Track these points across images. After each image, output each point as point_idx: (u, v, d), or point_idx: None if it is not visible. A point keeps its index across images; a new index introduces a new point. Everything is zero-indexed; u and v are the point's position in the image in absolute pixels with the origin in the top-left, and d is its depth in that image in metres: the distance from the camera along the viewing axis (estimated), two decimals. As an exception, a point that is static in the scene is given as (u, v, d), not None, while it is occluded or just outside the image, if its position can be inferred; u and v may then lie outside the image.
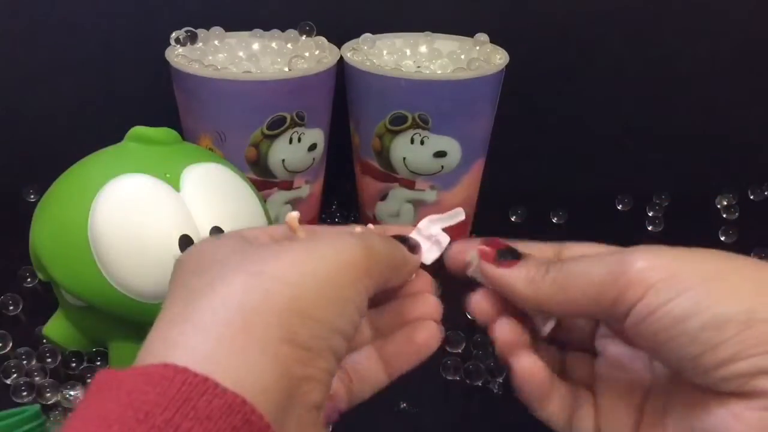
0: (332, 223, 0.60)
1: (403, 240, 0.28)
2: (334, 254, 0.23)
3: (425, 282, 0.29)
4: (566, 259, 0.26)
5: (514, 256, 0.27)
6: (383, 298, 0.29)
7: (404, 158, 0.51)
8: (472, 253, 0.28)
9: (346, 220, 0.61)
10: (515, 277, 0.26)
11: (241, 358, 0.20)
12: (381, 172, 0.53)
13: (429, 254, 0.29)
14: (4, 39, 0.60)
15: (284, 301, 0.21)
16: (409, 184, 0.53)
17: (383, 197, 0.55)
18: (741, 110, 0.67)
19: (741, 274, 0.23)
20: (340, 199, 0.63)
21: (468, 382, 0.43)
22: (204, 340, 0.20)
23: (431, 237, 0.30)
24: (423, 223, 0.30)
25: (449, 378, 0.43)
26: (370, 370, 0.29)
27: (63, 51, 0.61)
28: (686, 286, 0.22)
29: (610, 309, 0.24)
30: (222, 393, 0.18)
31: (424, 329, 0.29)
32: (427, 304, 0.29)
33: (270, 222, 0.45)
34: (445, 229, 0.30)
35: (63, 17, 0.60)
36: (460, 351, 0.45)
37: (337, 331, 0.22)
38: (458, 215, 0.30)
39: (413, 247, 0.28)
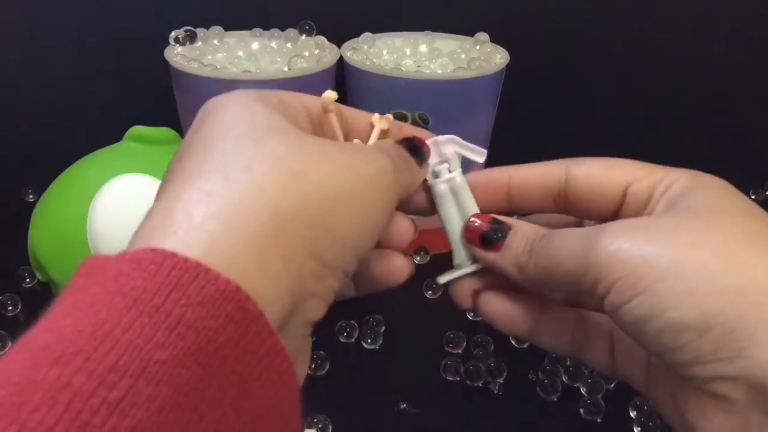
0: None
1: (414, 148, 0.27)
2: (373, 175, 0.23)
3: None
4: (550, 237, 0.25)
5: (500, 235, 0.26)
6: None
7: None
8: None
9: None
10: (502, 262, 0.26)
11: (264, 266, 0.19)
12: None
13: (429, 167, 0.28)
14: (4, 39, 0.60)
15: (321, 214, 0.20)
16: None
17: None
18: (741, 110, 0.67)
19: (707, 264, 0.21)
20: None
21: (468, 382, 0.43)
22: (232, 241, 0.19)
23: (443, 155, 0.28)
24: (444, 138, 0.29)
25: (449, 378, 0.43)
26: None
27: (63, 51, 0.61)
28: (644, 286, 0.21)
29: (591, 295, 0.23)
30: (215, 279, 0.17)
31: (398, 259, 0.28)
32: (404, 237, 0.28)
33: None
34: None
35: (63, 17, 0.60)
36: (460, 351, 0.45)
37: (358, 254, 0.22)
38: (480, 154, 0.29)
39: (422, 160, 0.27)
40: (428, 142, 0.28)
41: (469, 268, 0.28)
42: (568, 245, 0.24)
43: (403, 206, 0.28)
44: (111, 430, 0.15)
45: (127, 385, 0.15)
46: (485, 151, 0.29)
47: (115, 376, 0.15)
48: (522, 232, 0.26)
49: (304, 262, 0.20)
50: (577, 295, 0.26)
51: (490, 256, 0.27)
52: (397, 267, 0.27)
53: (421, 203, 0.29)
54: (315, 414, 0.39)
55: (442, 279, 0.29)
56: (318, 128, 0.27)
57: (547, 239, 0.25)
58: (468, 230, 0.27)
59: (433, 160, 0.28)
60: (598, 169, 0.27)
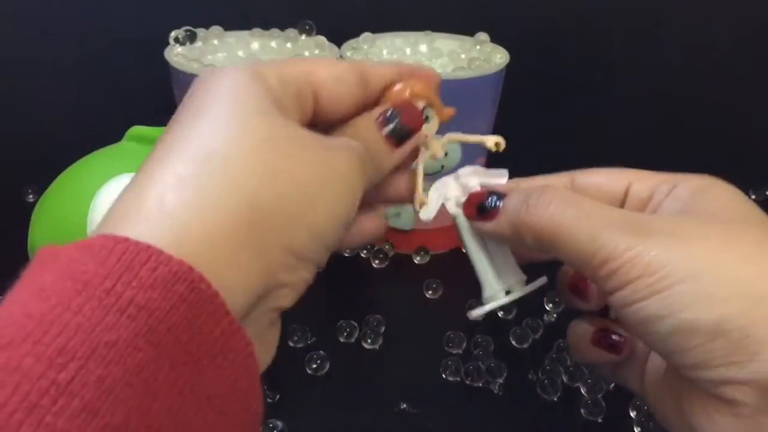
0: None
1: (395, 132, 0.26)
2: (346, 172, 0.23)
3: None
4: (550, 196, 0.24)
5: (496, 203, 0.26)
6: None
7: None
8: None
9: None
10: (497, 226, 0.26)
11: (233, 255, 0.19)
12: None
13: (452, 201, 0.28)
14: (4, 39, 0.60)
15: (297, 210, 0.21)
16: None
17: (383, 197, 0.54)
18: (741, 110, 0.67)
19: (728, 270, 0.21)
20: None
21: (468, 382, 0.43)
22: (203, 230, 0.19)
23: (466, 188, 0.28)
24: (466, 171, 0.28)
25: (449, 378, 0.43)
26: None
27: (62, 51, 0.61)
28: (662, 287, 0.21)
29: (593, 278, 0.23)
30: (167, 260, 0.17)
31: (376, 218, 0.29)
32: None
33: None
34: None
35: (63, 17, 0.60)
36: (460, 351, 0.45)
37: (330, 247, 0.23)
38: (501, 176, 0.28)
39: (401, 143, 0.27)
40: (450, 178, 0.28)
41: (503, 300, 0.27)
42: (586, 226, 0.23)
43: (382, 194, 0.28)
44: (60, 410, 0.15)
45: (76, 367, 0.15)
46: (506, 172, 0.28)
47: (64, 358, 0.15)
48: (516, 192, 0.26)
49: (276, 254, 0.20)
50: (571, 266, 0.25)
51: (486, 225, 0.26)
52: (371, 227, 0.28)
53: (402, 189, 0.29)
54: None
55: (476, 313, 0.28)
56: (306, 105, 0.25)
57: (549, 197, 0.24)
58: (466, 204, 0.27)
59: (455, 192, 0.28)
60: (603, 174, 0.27)
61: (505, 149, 0.29)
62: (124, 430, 0.16)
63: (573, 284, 0.28)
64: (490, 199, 0.26)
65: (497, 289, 0.28)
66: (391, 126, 0.26)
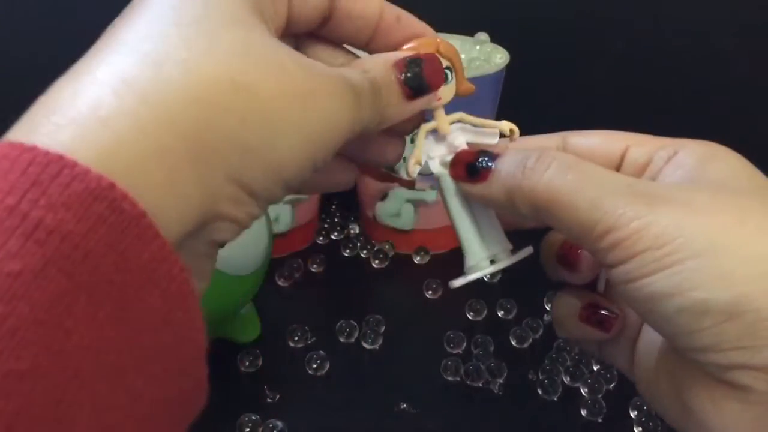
0: (332, 223, 0.60)
1: (414, 78, 0.23)
2: (327, 111, 0.19)
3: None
4: (549, 161, 0.22)
5: (487, 163, 0.23)
6: None
7: (404, 158, 0.51)
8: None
9: (345, 220, 0.61)
10: (488, 189, 0.23)
11: (171, 177, 0.16)
12: (381, 172, 0.53)
13: (436, 161, 0.26)
14: (4, 39, 0.60)
15: (256, 141, 0.18)
16: (409, 184, 0.53)
17: (383, 197, 0.54)
18: (741, 110, 0.67)
19: (748, 246, 0.19)
20: (339, 198, 0.63)
21: (468, 382, 0.43)
22: (140, 146, 0.16)
23: (452, 146, 0.26)
24: (452, 128, 0.26)
25: (449, 378, 0.43)
26: None
27: (62, 50, 0.61)
28: (672, 261, 0.19)
29: (592, 250, 0.21)
30: (82, 175, 0.14)
31: (348, 169, 0.26)
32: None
33: (270, 222, 0.44)
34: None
35: (62, 16, 0.60)
36: (460, 351, 0.45)
37: (290, 187, 0.20)
38: (493, 135, 0.27)
39: (420, 93, 0.23)
40: (432, 129, 0.25)
41: (488, 269, 0.25)
42: (588, 193, 0.21)
43: (363, 152, 0.25)
44: None
45: None
46: (497, 132, 0.26)
47: None
48: (512, 153, 0.23)
49: (222, 184, 0.17)
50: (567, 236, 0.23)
51: (475, 188, 0.24)
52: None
53: (388, 154, 0.26)
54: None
55: (458, 282, 0.26)
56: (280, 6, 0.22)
57: (549, 161, 0.22)
58: (453, 164, 0.25)
59: (440, 151, 0.26)
60: (597, 136, 0.26)
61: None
62: (32, 376, 0.13)
63: (562, 254, 0.26)
64: (481, 159, 0.24)
65: (481, 257, 0.25)
66: (410, 73, 0.23)
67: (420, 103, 0.23)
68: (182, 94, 0.17)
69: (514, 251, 0.26)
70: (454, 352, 0.45)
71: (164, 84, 0.17)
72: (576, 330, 0.26)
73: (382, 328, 0.46)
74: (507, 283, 0.51)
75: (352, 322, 0.46)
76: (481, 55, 0.54)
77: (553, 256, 0.26)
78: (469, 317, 0.48)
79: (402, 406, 0.41)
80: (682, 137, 0.27)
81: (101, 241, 0.15)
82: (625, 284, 0.20)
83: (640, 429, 0.39)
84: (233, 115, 0.17)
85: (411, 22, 0.25)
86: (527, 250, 0.26)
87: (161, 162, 0.16)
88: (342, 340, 0.46)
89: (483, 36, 0.55)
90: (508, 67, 0.52)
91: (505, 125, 0.27)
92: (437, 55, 0.24)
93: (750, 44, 0.65)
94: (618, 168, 0.25)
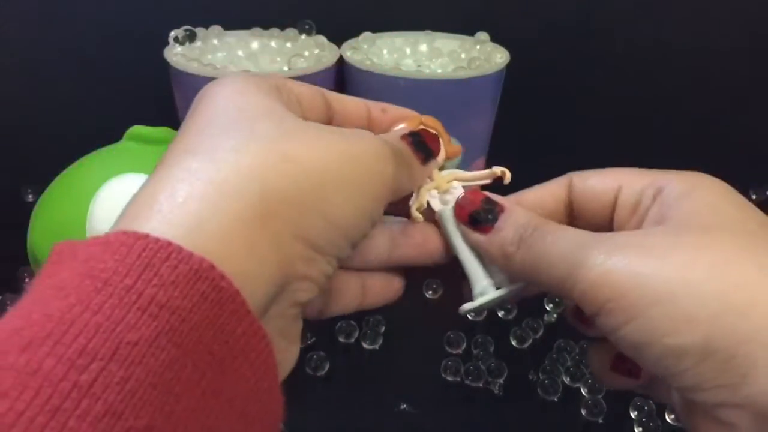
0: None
1: (421, 144, 0.26)
2: (368, 161, 0.22)
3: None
4: (539, 233, 0.24)
5: (491, 217, 0.25)
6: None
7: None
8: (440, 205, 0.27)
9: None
10: (489, 246, 0.25)
11: (249, 246, 0.18)
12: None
13: (437, 199, 0.28)
14: (4, 39, 0.60)
15: (310, 198, 0.20)
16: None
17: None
18: (741, 110, 0.67)
19: (703, 285, 0.19)
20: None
21: (468, 382, 0.43)
22: (216, 222, 0.18)
23: (447, 192, 0.28)
24: (449, 176, 0.28)
25: (449, 378, 0.43)
26: (349, 291, 0.28)
27: (62, 50, 0.61)
28: (637, 312, 0.20)
29: (571, 304, 0.23)
30: (188, 258, 0.17)
31: (399, 280, 0.30)
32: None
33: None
34: None
35: (62, 16, 0.60)
36: (460, 351, 0.45)
37: (350, 239, 0.22)
38: (488, 177, 0.28)
39: (427, 157, 0.26)
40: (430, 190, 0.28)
41: (493, 294, 0.26)
42: (559, 249, 0.22)
43: (397, 207, 0.27)
44: (83, 413, 0.14)
45: (98, 368, 0.15)
46: (490, 180, 0.29)
47: (86, 359, 0.15)
48: (514, 219, 0.25)
49: (292, 244, 0.20)
50: (559, 296, 0.26)
51: (476, 236, 0.25)
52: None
53: (381, 250, 0.28)
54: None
55: (467, 308, 0.27)
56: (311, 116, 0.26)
57: (539, 233, 0.24)
58: (458, 206, 0.26)
59: (434, 202, 0.28)
60: (595, 177, 0.26)
61: (510, 178, 0.29)
62: None
63: (619, 365, 0.27)
64: (485, 212, 0.25)
65: (486, 284, 0.27)
66: (416, 142, 0.26)
67: (431, 166, 0.27)
68: (237, 173, 0.19)
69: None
70: (454, 352, 0.45)
71: (220, 168, 0.19)
72: (611, 379, 0.27)
73: (382, 328, 0.46)
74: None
75: (352, 322, 0.46)
76: (481, 55, 0.54)
77: (606, 366, 0.27)
78: (469, 317, 0.48)
79: (402, 406, 0.41)
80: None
81: (204, 316, 0.17)
82: (608, 334, 0.21)
83: (640, 429, 0.39)
84: (285, 179, 0.20)
85: (394, 109, 0.28)
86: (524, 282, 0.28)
87: (238, 231, 0.18)
88: (342, 340, 0.46)
89: (483, 36, 0.55)
90: (508, 67, 0.52)
91: (497, 170, 0.28)
92: (425, 127, 0.27)
93: (751, 44, 0.65)
94: (612, 210, 0.26)
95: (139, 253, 0.17)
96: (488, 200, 0.26)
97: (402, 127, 0.27)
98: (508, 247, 0.24)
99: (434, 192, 0.28)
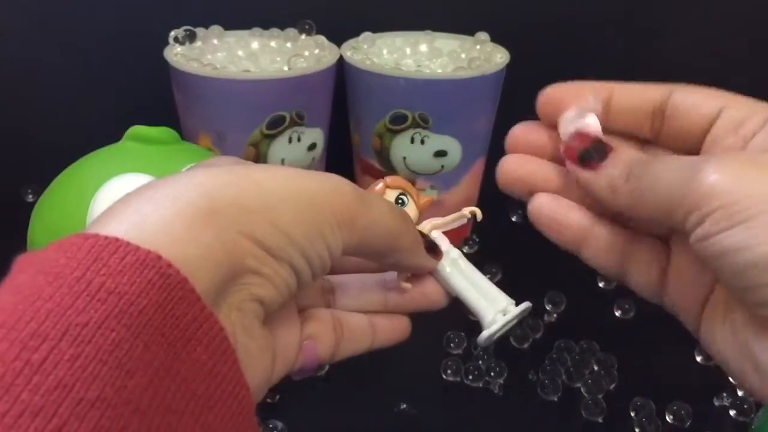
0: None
1: (431, 244, 0.28)
2: (324, 190, 0.23)
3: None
4: (649, 165, 0.24)
5: (600, 156, 0.26)
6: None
7: (404, 158, 0.51)
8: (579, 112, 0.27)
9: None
10: (596, 183, 0.26)
11: (191, 235, 0.19)
12: (381, 172, 0.53)
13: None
14: (3, 39, 0.60)
15: (258, 206, 0.21)
16: (409, 184, 0.53)
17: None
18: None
19: None
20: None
21: (468, 382, 0.43)
22: (160, 216, 0.20)
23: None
24: (428, 226, 0.30)
25: (449, 378, 0.43)
26: (361, 332, 0.30)
27: (61, 50, 0.61)
28: (745, 216, 0.20)
29: (680, 226, 0.23)
30: (134, 250, 0.18)
31: (405, 320, 0.31)
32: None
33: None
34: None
35: (62, 16, 0.60)
36: (460, 351, 0.45)
37: (301, 251, 0.22)
38: (462, 218, 0.30)
39: (430, 247, 0.28)
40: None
41: (504, 318, 0.28)
42: (670, 173, 0.23)
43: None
44: (34, 387, 0.15)
45: (48, 348, 0.16)
46: (465, 219, 0.31)
47: (37, 341, 0.16)
48: (624, 155, 0.25)
49: (239, 239, 0.20)
50: (660, 226, 0.26)
51: (585, 174, 0.26)
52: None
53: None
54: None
55: (483, 336, 0.29)
56: None
57: (647, 164, 0.24)
58: (568, 147, 0.27)
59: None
60: (700, 93, 0.27)
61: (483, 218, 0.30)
62: (100, 404, 0.16)
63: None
64: (595, 150, 0.26)
65: (494, 312, 0.29)
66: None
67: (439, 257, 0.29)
68: (188, 182, 0.21)
69: (516, 304, 0.29)
70: (454, 352, 0.45)
71: (174, 181, 0.21)
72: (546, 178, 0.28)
73: (382, 328, 0.46)
74: (507, 283, 0.51)
75: (352, 322, 0.46)
76: (481, 55, 0.54)
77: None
78: (470, 317, 0.48)
79: (402, 406, 0.41)
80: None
81: (152, 301, 0.18)
82: (701, 243, 0.21)
83: (640, 429, 0.39)
84: (234, 188, 0.21)
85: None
86: (526, 304, 0.29)
87: (181, 223, 0.19)
88: (342, 340, 0.46)
89: (483, 36, 0.55)
90: (508, 67, 0.52)
91: (466, 212, 0.30)
92: (386, 186, 0.29)
93: (751, 44, 0.65)
94: (712, 124, 0.26)
95: (88, 249, 0.18)
96: (598, 140, 0.26)
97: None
98: (616, 180, 0.25)
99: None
